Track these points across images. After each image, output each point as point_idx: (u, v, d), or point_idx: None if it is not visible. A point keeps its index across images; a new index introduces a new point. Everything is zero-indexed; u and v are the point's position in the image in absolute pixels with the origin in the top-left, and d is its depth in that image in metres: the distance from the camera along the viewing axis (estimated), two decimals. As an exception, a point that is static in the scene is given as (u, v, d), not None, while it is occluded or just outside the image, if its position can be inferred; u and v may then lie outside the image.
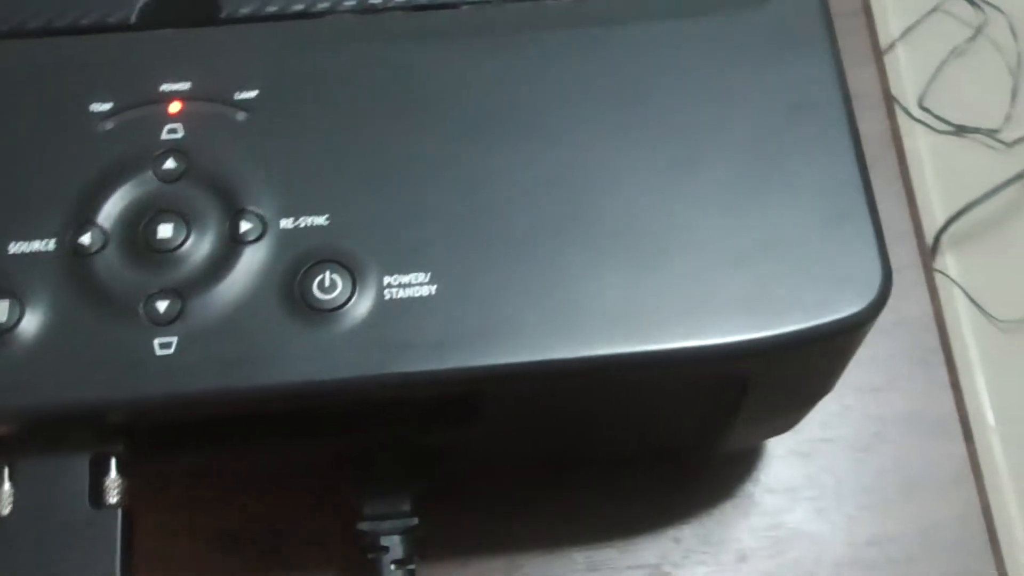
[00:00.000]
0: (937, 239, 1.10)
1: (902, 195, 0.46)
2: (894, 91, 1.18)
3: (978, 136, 1.13)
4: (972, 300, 1.08)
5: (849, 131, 0.31)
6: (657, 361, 0.29)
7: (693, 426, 0.36)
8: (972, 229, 1.11)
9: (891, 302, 0.45)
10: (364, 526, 0.35)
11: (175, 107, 0.32)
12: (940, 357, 0.43)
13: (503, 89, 0.32)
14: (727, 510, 0.41)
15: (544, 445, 0.38)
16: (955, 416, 0.42)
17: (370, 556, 0.35)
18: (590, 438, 0.37)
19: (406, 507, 0.35)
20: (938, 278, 1.09)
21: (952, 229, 1.10)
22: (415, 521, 0.35)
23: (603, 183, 0.31)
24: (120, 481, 0.31)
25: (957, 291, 1.10)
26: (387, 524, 0.35)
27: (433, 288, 0.30)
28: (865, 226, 0.30)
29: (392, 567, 0.35)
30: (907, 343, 0.44)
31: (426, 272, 0.30)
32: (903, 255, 0.45)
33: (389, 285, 0.30)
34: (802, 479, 0.42)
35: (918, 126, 1.15)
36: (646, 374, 0.30)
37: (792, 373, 0.32)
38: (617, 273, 0.30)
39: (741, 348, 0.29)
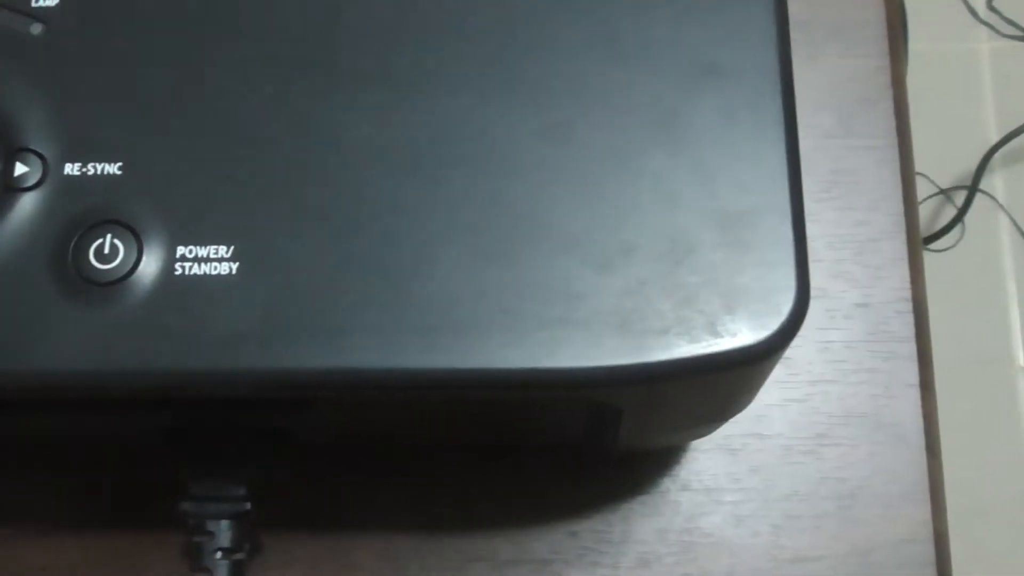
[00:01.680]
0: (987, 157, 1.01)
1: (892, 150, 0.38)
2: (960, -10, 1.07)
3: (1050, 46, 1.02)
4: (1018, 227, 1.00)
5: (780, 105, 0.25)
6: (494, 382, 0.23)
7: (569, 438, 0.30)
8: (1027, 151, 1.02)
9: (859, 279, 0.38)
10: (187, 506, 0.31)
11: (-40, 9, 0.26)
12: (912, 349, 0.37)
13: (353, 17, 0.26)
14: (635, 506, 0.36)
15: (393, 437, 0.33)
16: (918, 422, 0.36)
17: (195, 540, 0.31)
18: (443, 437, 0.32)
19: (239, 489, 0.31)
20: (982, 201, 1.01)
21: (1005, 148, 1.01)
22: (247, 507, 0.31)
23: (453, 152, 0.25)
24: None
25: (1002, 216, 1.01)
26: (212, 507, 0.31)
27: (234, 266, 0.24)
28: (781, 228, 0.24)
29: (217, 555, 0.30)
30: (872, 330, 0.37)
31: (228, 245, 0.24)
32: (880, 223, 0.38)
33: (183, 257, 0.24)
34: (726, 479, 0.36)
35: (983, 28, 1.04)
36: (483, 395, 0.25)
37: (676, 402, 0.26)
38: (456, 268, 0.24)
39: (599, 376, 0.23)
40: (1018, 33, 1.03)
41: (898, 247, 0.38)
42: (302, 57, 0.25)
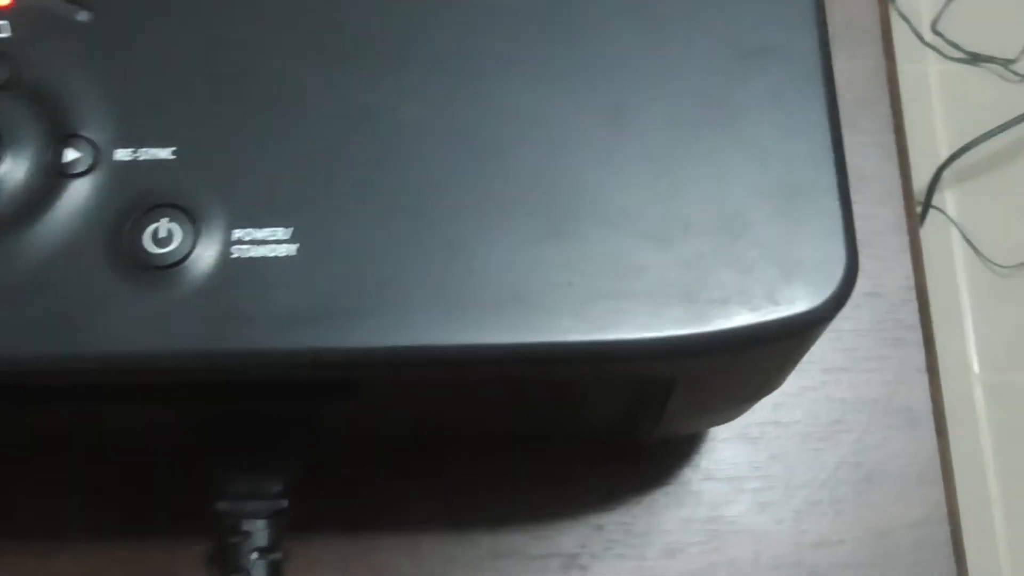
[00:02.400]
0: (938, 174, 1.04)
1: (892, 148, 0.40)
2: (905, 11, 1.10)
3: (992, 66, 1.06)
4: (968, 241, 1.03)
5: (823, 84, 0.25)
6: (559, 356, 0.24)
7: (608, 420, 0.31)
8: (976, 166, 1.05)
9: (867, 270, 0.39)
10: (223, 506, 0.30)
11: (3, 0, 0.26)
12: (918, 336, 0.38)
13: (401, 7, 0.26)
14: (658, 497, 0.36)
15: (436, 425, 0.33)
16: (928, 406, 0.37)
17: (231, 541, 0.30)
18: (488, 423, 0.32)
19: (276, 487, 0.30)
20: (935, 217, 1.04)
21: (955, 165, 1.04)
22: (285, 504, 0.30)
23: (510, 132, 0.25)
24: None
25: (954, 230, 1.04)
26: (250, 506, 0.30)
27: (293, 248, 0.24)
28: (829, 202, 0.25)
29: (253, 556, 0.30)
30: (881, 318, 0.38)
31: (286, 227, 0.24)
32: (887, 217, 0.39)
33: (239, 241, 0.24)
34: (747, 467, 0.37)
35: (929, 51, 1.07)
36: (546, 370, 0.25)
37: (728, 374, 0.26)
38: (517, 244, 0.24)
39: (664, 346, 0.24)
40: (962, 56, 1.06)
41: (902, 240, 0.39)
42: (356, 38, 0.26)
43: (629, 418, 0.30)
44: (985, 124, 1.02)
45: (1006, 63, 1.05)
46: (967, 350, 1.01)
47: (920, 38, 1.08)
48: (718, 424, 0.34)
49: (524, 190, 0.25)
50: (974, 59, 1.06)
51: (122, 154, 0.25)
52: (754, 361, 0.26)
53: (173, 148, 0.25)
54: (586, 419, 0.32)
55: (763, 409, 0.37)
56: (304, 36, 0.26)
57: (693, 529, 0.36)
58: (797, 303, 0.24)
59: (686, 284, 0.24)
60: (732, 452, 0.37)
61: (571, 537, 0.36)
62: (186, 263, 0.24)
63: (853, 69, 0.40)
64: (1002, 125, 1.01)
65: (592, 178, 0.25)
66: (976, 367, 1.00)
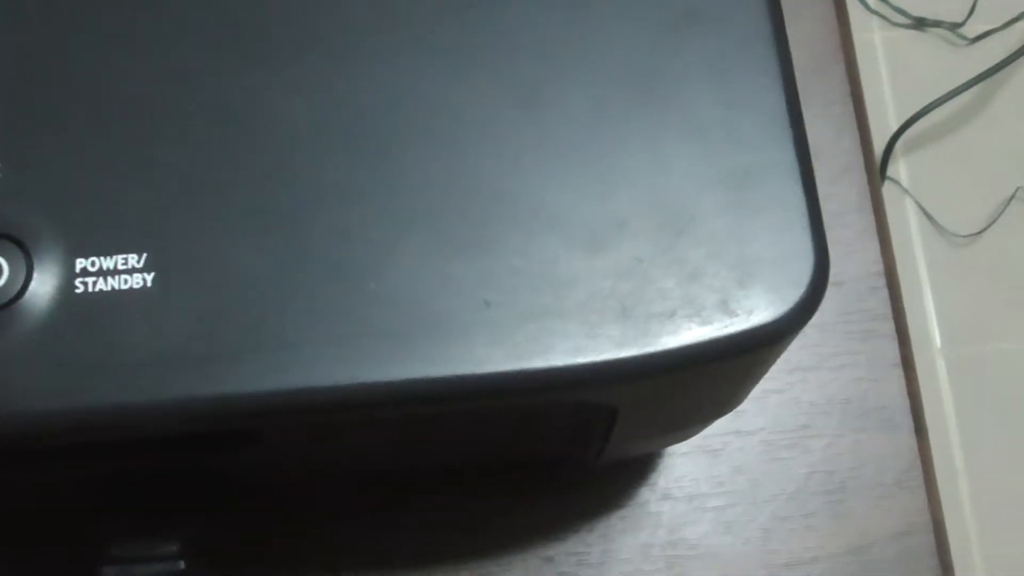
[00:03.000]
0: (890, 146, 1.01)
1: (850, 117, 0.36)
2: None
3: (938, 31, 1.03)
4: (924, 212, 1.00)
5: (774, 47, 0.22)
6: (477, 390, 0.20)
7: (548, 448, 0.27)
8: (928, 134, 1.02)
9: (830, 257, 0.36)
10: (110, 572, 0.26)
11: None
12: (890, 327, 0.35)
13: (270, -24, 0.22)
14: (613, 523, 0.33)
15: (358, 463, 0.29)
16: (904, 403, 0.34)
17: (121, 612, 0.26)
18: (410, 459, 0.28)
19: (171, 547, 0.26)
20: (889, 188, 1.02)
21: (907, 135, 1.01)
22: (181, 566, 0.26)
23: (409, 125, 0.21)
24: None
25: (909, 201, 1.01)
26: (140, 570, 0.26)
27: (149, 277, 0.20)
28: (790, 187, 0.21)
29: (149, 628, 0.26)
30: (847, 309, 0.35)
31: (139, 253, 0.20)
32: (846, 196, 0.35)
33: (84, 271, 0.20)
34: (709, 483, 0.33)
35: (874, 18, 1.05)
36: (451, 407, 0.21)
37: (678, 397, 0.23)
38: (422, 260, 0.20)
39: (599, 372, 0.20)
40: (907, 21, 1.04)
41: (866, 219, 0.35)
42: (214, 26, 0.21)
43: (572, 444, 0.26)
44: (934, 91, 1.00)
45: (953, 27, 1.03)
46: (928, 325, 0.98)
47: (866, 5, 1.05)
48: (674, 444, 0.31)
49: (428, 194, 0.21)
50: (920, 24, 1.03)
51: (-64, 174, 0.21)
52: (708, 381, 0.22)
53: (-1, 164, 0.21)
54: (522, 449, 0.28)
55: (723, 419, 0.33)
56: (151, 26, 0.21)
57: (653, 555, 0.32)
58: (757, 312, 0.20)
59: (622, 296, 0.20)
60: (692, 467, 0.33)
61: (518, 572, 0.32)
62: (20, 302, 0.20)
63: (799, 34, 0.36)
64: (951, 91, 0.99)
65: (507, 175, 0.21)
66: (938, 341, 0.98)
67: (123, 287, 0.20)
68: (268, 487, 0.29)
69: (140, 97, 0.21)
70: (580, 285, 0.20)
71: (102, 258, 0.20)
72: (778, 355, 0.22)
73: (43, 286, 0.20)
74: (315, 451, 0.26)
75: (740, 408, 0.34)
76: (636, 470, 0.33)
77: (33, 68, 0.21)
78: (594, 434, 0.24)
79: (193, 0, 0.21)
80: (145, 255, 0.20)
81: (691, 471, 0.33)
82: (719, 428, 0.33)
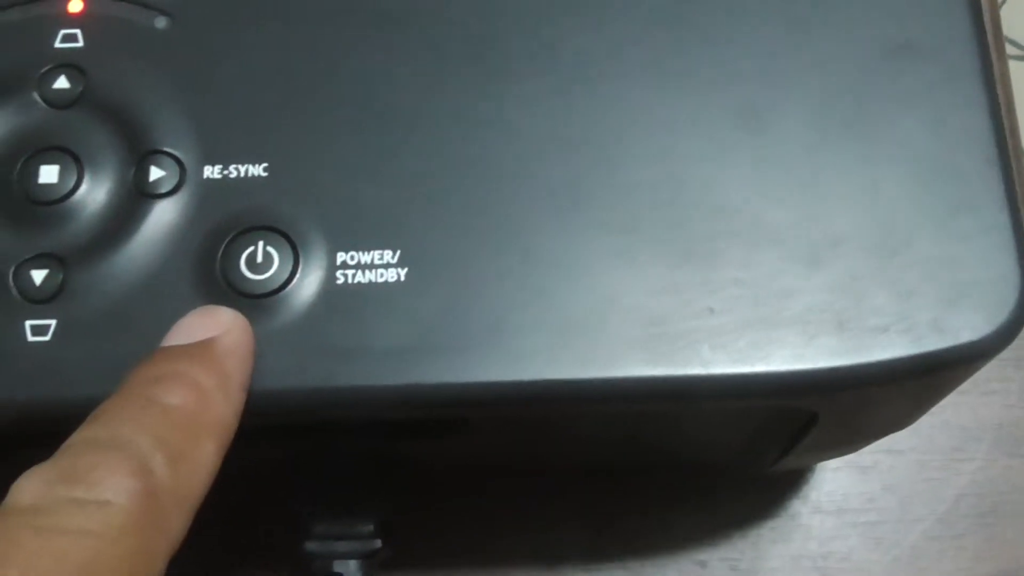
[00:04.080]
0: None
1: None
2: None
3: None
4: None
5: (983, 84, 0.23)
6: (691, 391, 0.21)
7: (729, 454, 0.28)
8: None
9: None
10: (312, 547, 0.28)
11: (75, 6, 0.24)
12: (1041, 356, 0.35)
13: (510, 8, 0.24)
14: (764, 532, 0.34)
15: (547, 459, 0.30)
16: (1054, 431, 0.35)
17: (320, 584, 0.28)
18: (599, 457, 0.30)
19: (368, 526, 0.28)
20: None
21: None
22: (378, 544, 0.28)
23: (636, 141, 0.23)
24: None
25: None
26: (342, 546, 0.28)
27: (402, 272, 0.22)
28: (998, 217, 0.22)
29: (347, 599, 0.28)
30: (1000, 337, 0.36)
31: (394, 250, 0.22)
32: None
33: (344, 265, 0.22)
34: (860, 499, 0.34)
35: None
36: (676, 406, 0.22)
37: (877, 409, 0.24)
38: (647, 267, 0.22)
39: (816, 380, 0.21)
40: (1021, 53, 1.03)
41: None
42: (460, 45, 0.23)
43: (752, 452, 0.28)
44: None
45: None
46: None
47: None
48: (840, 456, 0.32)
49: (654, 207, 0.22)
50: (1034, 58, 1.02)
51: (210, 172, 0.23)
52: (908, 394, 0.23)
53: (265, 164, 0.23)
54: (706, 454, 0.29)
55: (875, 436, 0.34)
56: (406, 42, 0.23)
57: (803, 566, 0.34)
58: (964, 331, 0.21)
59: (839, 310, 0.21)
60: (842, 482, 0.35)
61: (672, 574, 0.33)
62: (287, 290, 0.22)
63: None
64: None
65: (729, 192, 0.22)
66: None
67: (379, 280, 0.22)
68: (449, 475, 0.31)
69: (394, 107, 0.23)
70: (798, 297, 0.22)
71: (361, 253, 0.22)
72: (972, 374, 0.23)
73: (308, 276, 0.22)
74: (510, 446, 0.28)
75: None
76: (788, 483, 0.35)
77: (299, 77, 0.23)
78: (783, 442, 0.26)
79: (443, 18, 0.23)
80: (399, 251, 0.22)
81: (842, 486, 0.34)
82: (870, 446, 0.34)
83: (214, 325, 0.21)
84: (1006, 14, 1.07)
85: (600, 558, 0.33)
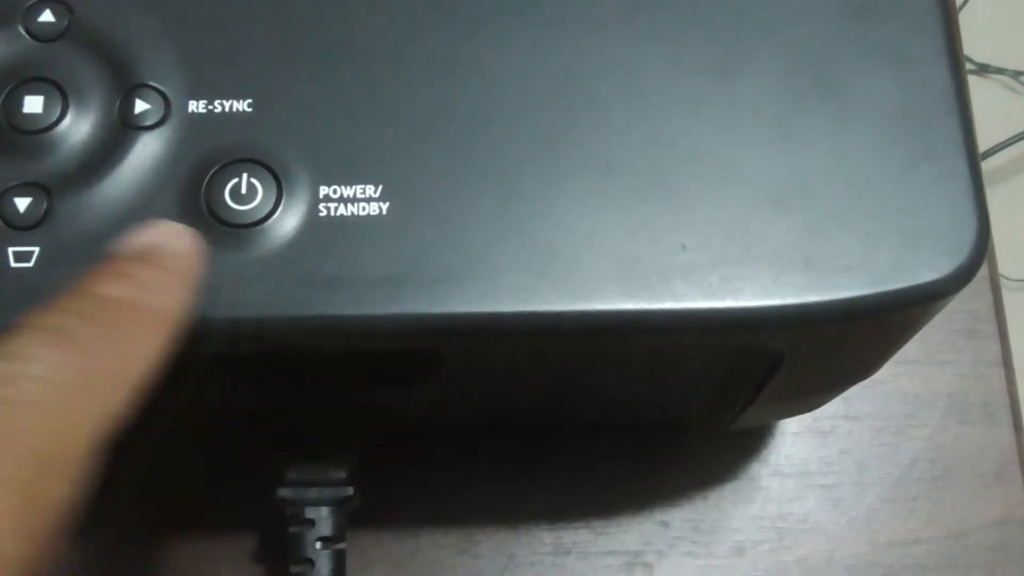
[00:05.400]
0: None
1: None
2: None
3: (1001, 77, 1.05)
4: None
5: (944, 39, 0.24)
6: (665, 324, 0.22)
7: (697, 402, 0.29)
8: (987, 178, 1.04)
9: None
10: (285, 493, 0.28)
11: (61, -60, 0.24)
12: (993, 328, 0.37)
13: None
14: (726, 493, 0.35)
15: (515, 408, 0.31)
16: (1004, 399, 0.36)
17: (292, 530, 0.28)
18: (570, 403, 0.30)
19: (340, 473, 0.29)
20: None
21: (965, 177, 1.03)
22: (350, 491, 0.28)
23: (614, 85, 0.23)
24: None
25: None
26: (314, 492, 0.28)
27: (384, 206, 0.23)
28: (957, 164, 0.23)
29: (317, 545, 0.28)
30: (954, 308, 0.37)
31: (376, 185, 0.23)
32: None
33: (327, 198, 0.23)
34: (818, 462, 0.35)
35: (939, 63, 1.07)
36: (650, 340, 0.23)
37: (839, 351, 0.25)
38: (623, 206, 0.22)
39: (784, 315, 0.22)
40: (971, 67, 1.06)
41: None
42: (445, -10, 0.24)
43: (717, 402, 0.29)
44: (995, 136, 1.02)
45: (1016, 74, 1.05)
46: None
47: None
48: (798, 414, 0.33)
49: (630, 148, 0.23)
50: (983, 70, 1.05)
51: (195, 106, 0.23)
52: (869, 336, 0.24)
53: (250, 100, 0.23)
54: (671, 405, 0.30)
55: (833, 402, 0.35)
56: (392, -17, 0.24)
57: (763, 526, 0.34)
58: (925, 272, 0.22)
59: (806, 249, 0.22)
60: (801, 446, 0.35)
61: (635, 534, 0.34)
62: (270, 221, 0.22)
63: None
64: (1013, 137, 1.01)
65: (702, 136, 0.23)
66: None
67: (361, 213, 0.22)
68: (418, 431, 0.31)
69: (382, 46, 0.23)
70: (767, 237, 0.22)
71: (343, 187, 0.23)
72: (931, 317, 0.24)
73: (291, 208, 0.22)
74: (479, 391, 0.28)
75: (849, 394, 0.35)
76: (749, 446, 0.35)
77: (284, 11, 0.24)
78: (748, 389, 0.27)
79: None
80: (381, 186, 0.23)
81: (801, 450, 0.35)
82: (829, 411, 0.35)
83: (158, 232, 0.21)
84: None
85: (565, 518, 0.34)
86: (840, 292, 0.22)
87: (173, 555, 0.33)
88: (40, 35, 0.24)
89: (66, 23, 0.24)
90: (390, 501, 0.33)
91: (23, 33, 0.24)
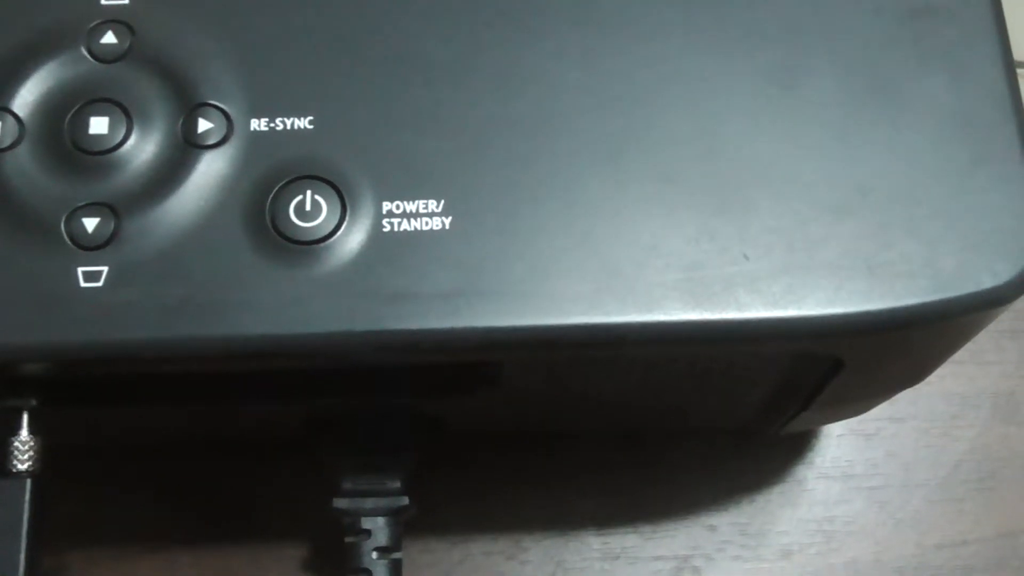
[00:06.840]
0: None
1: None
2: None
3: (1021, 73, 1.05)
4: None
5: (998, 45, 0.24)
6: (728, 334, 0.22)
7: (751, 408, 0.29)
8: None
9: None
10: (342, 503, 0.28)
11: (120, -37, 0.25)
12: (1036, 328, 0.37)
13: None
14: (773, 497, 0.35)
15: (569, 416, 0.31)
16: (1049, 400, 0.36)
17: (348, 540, 0.28)
18: (626, 411, 0.30)
19: (395, 483, 0.29)
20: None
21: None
22: (405, 501, 0.29)
23: (674, 97, 0.24)
24: (31, 443, 0.24)
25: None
26: (370, 503, 0.28)
27: (447, 220, 0.23)
28: (1014, 170, 0.23)
29: (374, 555, 0.28)
30: (996, 310, 0.37)
31: (438, 199, 0.23)
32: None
33: (390, 213, 0.23)
34: (864, 465, 0.35)
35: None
36: (713, 350, 0.23)
37: (898, 357, 0.25)
38: (685, 216, 0.23)
39: (848, 323, 0.22)
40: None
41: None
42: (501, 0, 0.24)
43: (771, 407, 0.29)
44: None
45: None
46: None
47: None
48: (848, 418, 0.33)
49: (690, 158, 0.23)
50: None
51: (257, 124, 0.23)
52: (928, 341, 0.24)
53: (311, 117, 0.23)
54: (726, 408, 0.30)
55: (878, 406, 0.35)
56: (448, -1, 0.24)
57: (810, 529, 0.35)
58: (986, 278, 0.22)
59: (868, 256, 0.22)
60: (846, 449, 0.36)
61: (683, 538, 0.34)
62: (335, 237, 0.22)
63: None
64: None
65: (761, 145, 0.23)
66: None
67: (424, 228, 0.23)
68: (469, 439, 0.32)
69: (436, 62, 0.24)
70: (829, 245, 0.22)
71: (406, 202, 0.23)
72: (990, 322, 0.25)
73: (355, 224, 0.23)
74: (535, 401, 0.28)
75: (896, 398, 0.36)
76: (794, 449, 0.36)
77: (344, 30, 0.24)
78: (803, 394, 0.27)
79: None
80: (443, 201, 0.23)
81: (846, 453, 0.35)
82: (873, 414, 0.35)
83: None
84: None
85: (613, 523, 0.34)
86: (903, 299, 0.22)
87: (222, 563, 0.33)
88: (103, 57, 0.24)
89: (128, 44, 0.24)
90: (439, 508, 0.33)
91: (86, 55, 0.24)
